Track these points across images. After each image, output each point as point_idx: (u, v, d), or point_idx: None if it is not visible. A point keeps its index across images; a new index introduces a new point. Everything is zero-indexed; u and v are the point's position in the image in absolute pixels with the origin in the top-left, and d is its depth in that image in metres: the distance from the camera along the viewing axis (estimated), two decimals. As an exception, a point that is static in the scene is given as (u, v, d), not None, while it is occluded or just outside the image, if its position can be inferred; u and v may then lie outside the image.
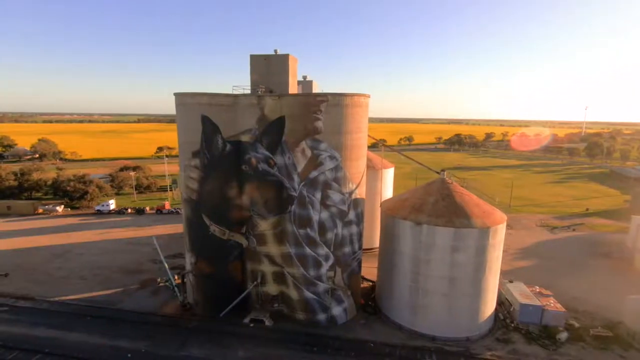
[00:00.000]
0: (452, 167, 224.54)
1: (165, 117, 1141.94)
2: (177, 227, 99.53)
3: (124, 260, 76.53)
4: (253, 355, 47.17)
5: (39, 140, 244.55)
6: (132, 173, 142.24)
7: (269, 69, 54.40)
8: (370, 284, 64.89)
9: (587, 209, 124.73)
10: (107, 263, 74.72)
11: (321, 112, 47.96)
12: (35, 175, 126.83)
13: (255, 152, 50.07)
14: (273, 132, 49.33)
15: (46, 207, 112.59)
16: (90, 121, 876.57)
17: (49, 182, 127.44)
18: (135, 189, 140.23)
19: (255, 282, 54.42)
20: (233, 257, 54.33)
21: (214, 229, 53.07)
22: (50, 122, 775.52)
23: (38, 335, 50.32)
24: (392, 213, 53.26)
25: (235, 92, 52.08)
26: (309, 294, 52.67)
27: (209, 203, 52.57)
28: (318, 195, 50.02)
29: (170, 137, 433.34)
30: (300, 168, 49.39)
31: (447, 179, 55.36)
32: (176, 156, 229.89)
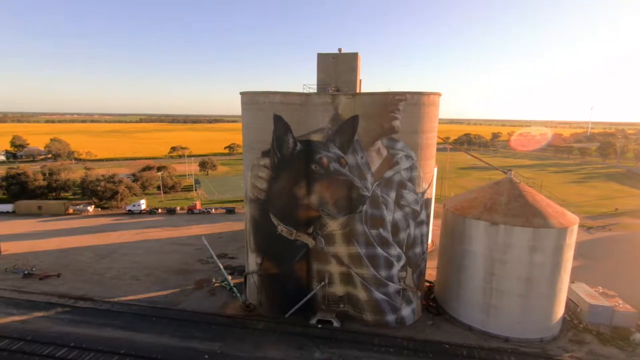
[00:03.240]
0: (467, 167, 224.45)
1: (167, 116, 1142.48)
2: (213, 227, 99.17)
3: (171, 260, 75.99)
4: (330, 356, 46.70)
5: (52, 140, 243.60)
6: (158, 173, 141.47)
7: (337, 68, 54.07)
8: (428, 284, 64.41)
9: (616, 209, 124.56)
10: (155, 263, 74.15)
11: (399, 111, 47.51)
12: (64, 175, 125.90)
13: (327, 151, 49.59)
14: (346, 131, 48.89)
15: (77, 207, 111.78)
16: (92, 121, 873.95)
17: (77, 182, 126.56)
18: (160, 189, 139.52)
19: (322, 283, 53.99)
20: (299, 257, 53.91)
21: (282, 228, 52.61)
22: (53, 122, 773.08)
23: (108, 337, 49.74)
24: (461, 213, 52.83)
25: (305, 91, 51.70)
26: (379, 295, 52.20)
27: (278, 203, 52.09)
28: (392, 195, 49.56)
29: (176, 136, 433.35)
30: (374, 167, 48.92)
31: (514, 178, 55.04)
32: (195, 156, 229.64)
